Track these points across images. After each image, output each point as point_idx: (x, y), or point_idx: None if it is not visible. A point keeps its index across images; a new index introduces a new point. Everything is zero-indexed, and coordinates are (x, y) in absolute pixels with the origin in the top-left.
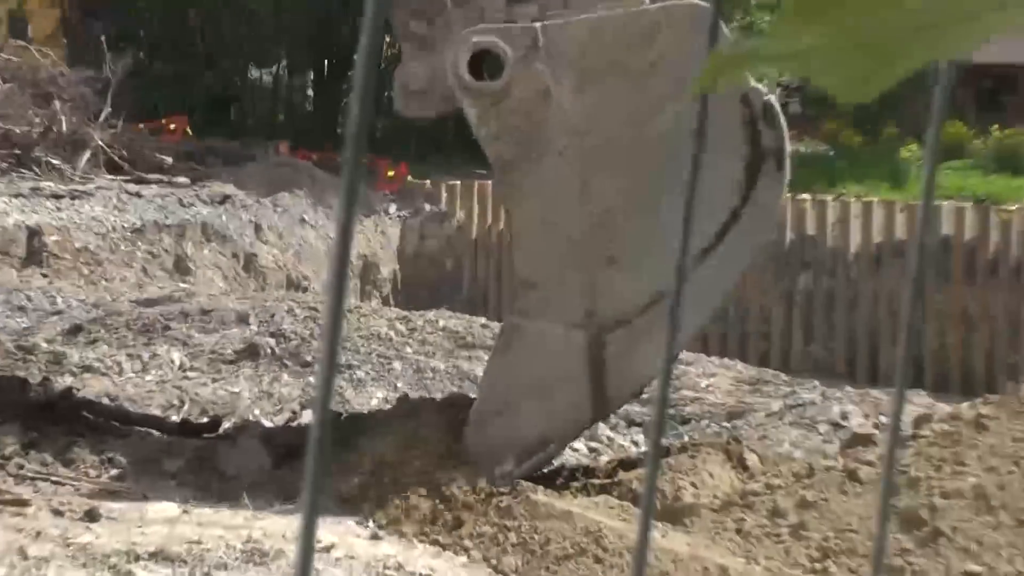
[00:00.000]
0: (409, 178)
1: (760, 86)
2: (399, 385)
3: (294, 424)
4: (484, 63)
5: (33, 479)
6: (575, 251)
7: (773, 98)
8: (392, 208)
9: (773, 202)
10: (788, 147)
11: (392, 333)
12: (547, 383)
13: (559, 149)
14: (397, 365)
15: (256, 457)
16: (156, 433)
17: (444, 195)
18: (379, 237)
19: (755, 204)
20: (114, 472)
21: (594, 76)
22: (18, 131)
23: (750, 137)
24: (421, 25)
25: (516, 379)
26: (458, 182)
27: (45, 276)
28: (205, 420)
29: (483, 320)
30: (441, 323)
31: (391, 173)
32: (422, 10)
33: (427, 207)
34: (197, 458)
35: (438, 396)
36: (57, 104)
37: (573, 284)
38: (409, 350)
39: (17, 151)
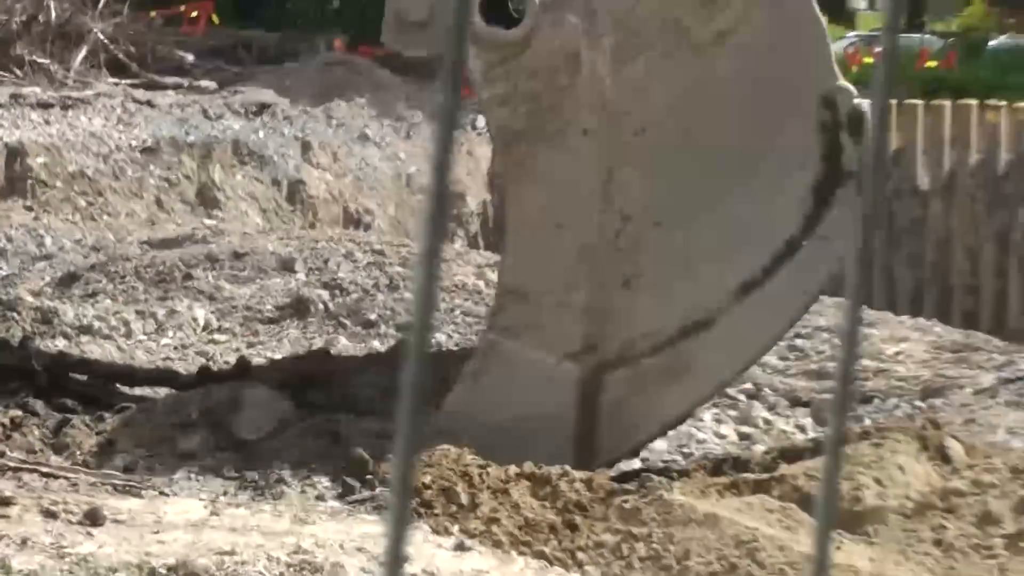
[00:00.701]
0: None
1: (850, 86)
2: None
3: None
4: (503, 3)
5: (17, 470)
6: (585, 261)
7: (865, 104)
8: (480, 121)
9: (843, 239)
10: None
11: (481, 284)
12: (524, 423)
13: (584, 128)
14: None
15: (273, 408)
16: (165, 394)
17: None
18: (464, 159)
19: (820, 238)
20: (119, 459)
21: (642, 41)
22: None
23: (827, 150)
24: None
25: (486, 414)
26: None
27: (30, 210)
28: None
29: None
30: None
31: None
32: None
33: None
34: (212, 426)
35: None
36: None
37: (575, 304)
38: None
39: None
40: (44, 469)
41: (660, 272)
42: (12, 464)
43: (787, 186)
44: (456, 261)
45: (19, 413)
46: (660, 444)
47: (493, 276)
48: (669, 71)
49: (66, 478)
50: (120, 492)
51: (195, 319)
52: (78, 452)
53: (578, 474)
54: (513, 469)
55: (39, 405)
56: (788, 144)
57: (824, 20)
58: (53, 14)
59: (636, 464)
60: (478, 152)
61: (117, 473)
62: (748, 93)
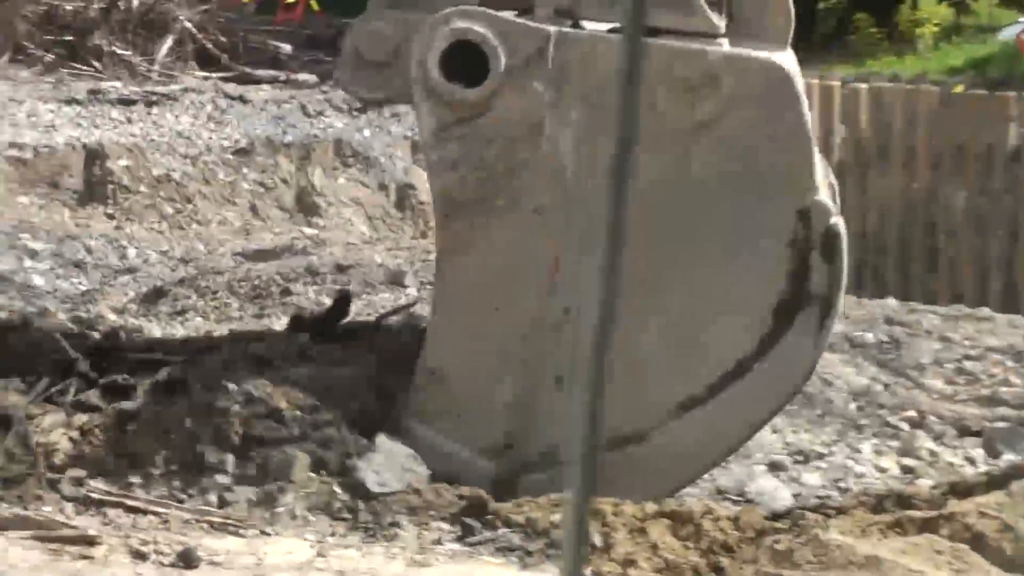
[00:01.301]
0: None
1: (829, 203)
2: None
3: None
4: (465, 58)
5: (101, 504)
6: (517, 352)
7: (841, 224)
8: None
9: (799, 368)
10: (842, 296)
11: None
12: None
13: (536, 206)
14: None
15: (406, 465)
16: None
17: None
18: None
19: (774, 362)
20: (215, 487)
21: (611, 122)
22: (69, 8)
23: (796, 267)
24: None
25: None
26: None
27: (111, 218)
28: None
29: None
30: None
31: None
32: None
33: None
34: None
35: None
36: None
37: (500, 396)
38: None
39: (68, 38)
40: (131, 503)
41: None
42: (95, 496)
43: (748, 301)
44: None
45: (85, 419)
46: (814, 478)
47: None
48: (639, 157)
49: (155, 513)
50: (216, 530)
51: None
52: (155, 471)
53: (723, 511)
54: (651, 506)
55: (94, 395)
56: (756, 255)
57: (810, 131)
58: (135, 1)
59: (788, 500)
60: None
61: (213, 509)
62: (721, 193)
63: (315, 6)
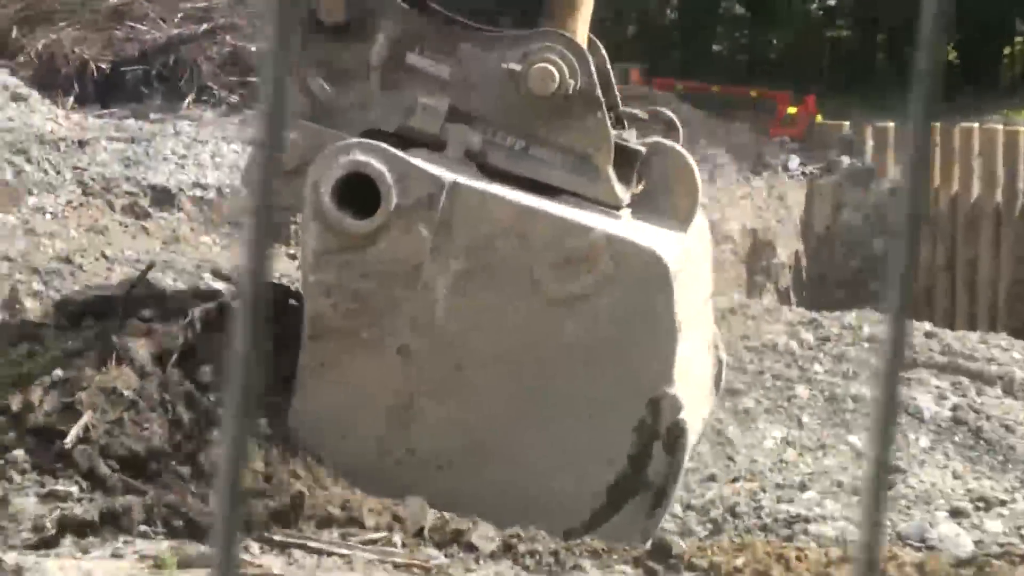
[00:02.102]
0: (819, 118)
1: (679, 398)
2: (804, 420)
3: None
4: (359, 185)
5: (284, 546)
6: (357, 484)
7: (687, 422)
8: (793, 162)
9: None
10: (676, 489)
11: (794, 344)
12: None
13: (401, 346)
14: (802, 391)
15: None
16: None
17: (870, 143)
18: (774, 204)
19: (600, 537)
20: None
21: (491, 278)
22: (254, 49)
23: (636, 452)
24: (327, 83)
25: None
26: (891, 124)
27: (293, 258)
28: None
29: (928, 326)
30: (866, 330)
31: (792, 111)
32: (333, 65)
33: (845, 161)
34: None
35: (861, 437)
36: None
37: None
38: (819, 369)
39: (253, 79)
40: (313, 544)
41: None
42: (278, 539)
43: (589, 472)
44: (764, 318)
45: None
46: (995, 525)
47: (807, 335)
48: (510, 317)
49: (340, 555)
50: (399, 570)
51: None
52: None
53: (908, 557)
54: (835, 552)
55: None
56: (603, 431)
57: (678, 324)
58: None
59: (969, 547)
60: (790, 197)
61: (397, 550)
62: (584, 364)
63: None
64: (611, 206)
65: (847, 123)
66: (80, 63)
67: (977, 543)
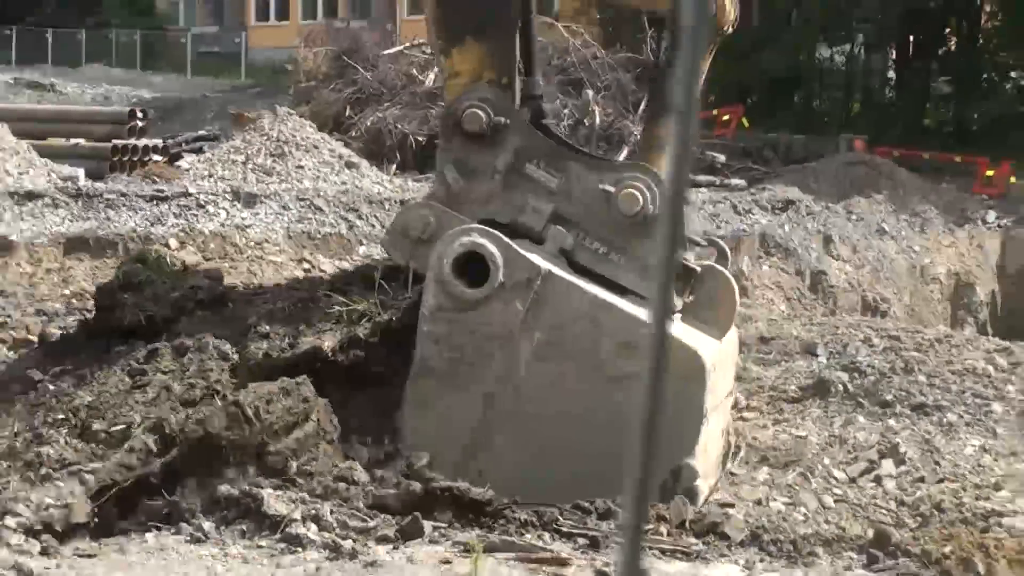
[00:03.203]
0: (1013, 179)
1: (697, 468)
2: (999, 431)
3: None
4: (473, 260)
5: (569, 535)
6: None
7: (700, 490)
8: (991, 216)
9: None
10: None
11: (991, 368)
12: None
13: (486, 393)
14: (997, 407)
15: None
16: None
17: None
18: (974, 251)
19: None
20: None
21: (564, 351)
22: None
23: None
24: (460, 177)
25: None
26: None
27: None
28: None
29: None
30: None
31: (990, 173)
32: (465, 162)
33: None
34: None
35: None
36: (590, 93)
37: None
38: (1012, 389)
39: None
40: (592, 533)
41: None
42: (565, 529)
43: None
44: (966, 346)
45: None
46: None
47: (1001, 360)
48: (576, 383)
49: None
50: (665, 555)
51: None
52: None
53: None
54: None
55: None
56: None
57: (706, 411)
58: (598, 119)
59: None
60: (988, 245)
61: (664, 537)
62: (617, 434)
63: (745, 123)
64: (668, 310)
65: None
66: (401, 136)
67: None
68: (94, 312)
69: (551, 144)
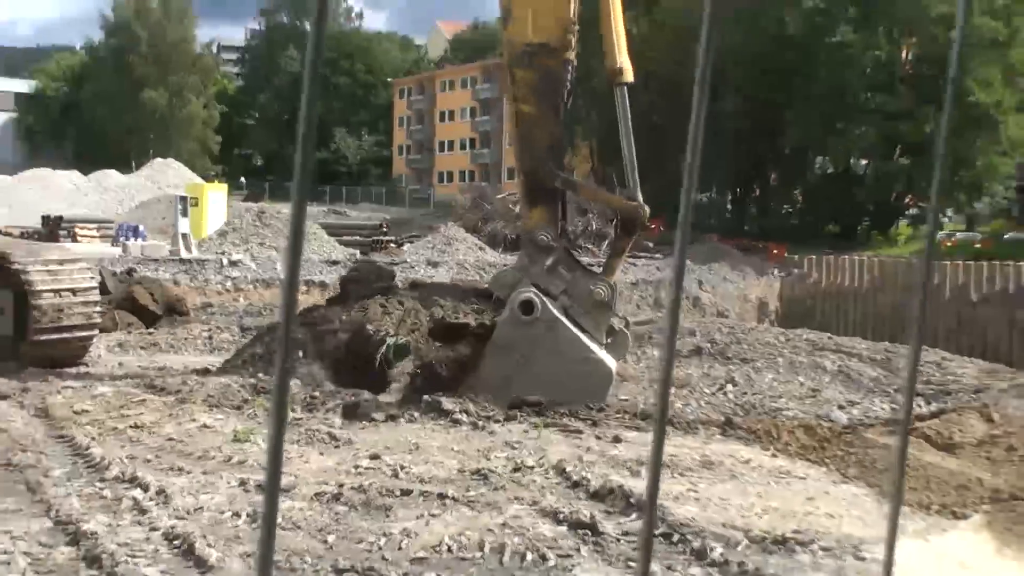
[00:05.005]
0: (785, 255)
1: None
2: (780, 371)
3: None
4: (528, 303)
5: (580, 418)
6: None
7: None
8: (776, 271)
9: None
10: None
11: (776, 342)
12: None
13: (519, 358)
14: (780, 360)
15: None
16: None
17: None
18: (768, 288)
19: None
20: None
21: (555, 350)
22: None
23: None
24: (540, 249)
25: None
26: None
27: None
28: None
29: None
30: None
31: (776, 251)
32: (532, 256)
33: None
34: None
35: None
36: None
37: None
38: (786, 351)
39: None
40: (593, 418)
41: None
42: (578, 416)
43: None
44: (766, 332)
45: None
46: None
47: (782, 339)
48: (555, 362)
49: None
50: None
51: None
52: None
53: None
54: None
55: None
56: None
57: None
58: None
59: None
60: (774, 285)
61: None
62: (565, 378)
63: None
64: (599, 343)
65: None
66: (503, 235)
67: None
68: (339, 288)
69: (571, 259)
